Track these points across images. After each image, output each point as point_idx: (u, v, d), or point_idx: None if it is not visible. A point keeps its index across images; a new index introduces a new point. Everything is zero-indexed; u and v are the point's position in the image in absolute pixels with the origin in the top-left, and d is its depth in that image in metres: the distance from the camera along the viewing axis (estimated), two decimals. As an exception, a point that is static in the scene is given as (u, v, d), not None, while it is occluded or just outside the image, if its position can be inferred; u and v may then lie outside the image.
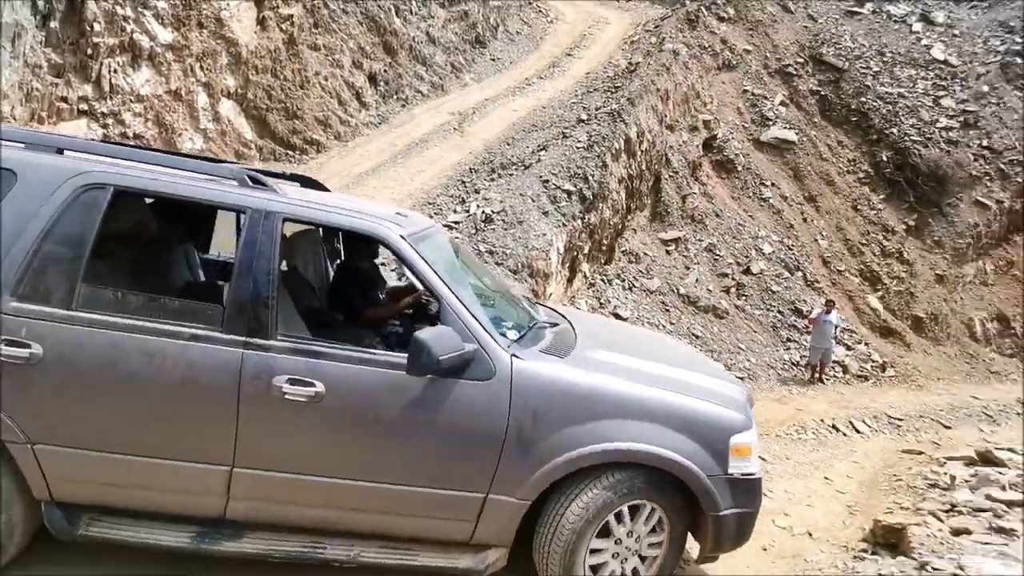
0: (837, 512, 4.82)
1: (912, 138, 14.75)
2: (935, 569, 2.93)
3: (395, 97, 12.23)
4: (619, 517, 2.55)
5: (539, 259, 7.50)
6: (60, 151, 2.41)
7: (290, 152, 9.88)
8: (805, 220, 13.70)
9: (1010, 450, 7.74)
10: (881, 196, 14.58)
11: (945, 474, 5.56)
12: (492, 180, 9.09)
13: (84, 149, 2.51)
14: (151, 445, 2.34)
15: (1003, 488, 4.54)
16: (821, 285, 12.59)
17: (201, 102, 8.84)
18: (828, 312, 10.31)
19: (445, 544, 2.57)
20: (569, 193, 8.66)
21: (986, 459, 6.10)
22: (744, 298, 11.61)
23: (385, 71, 12.09)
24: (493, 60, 15.10)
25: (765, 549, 3.80)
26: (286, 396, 2.30)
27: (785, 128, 14.71)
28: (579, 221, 8.75)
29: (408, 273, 2.90)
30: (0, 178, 2.26)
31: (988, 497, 4.41)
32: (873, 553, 3.63)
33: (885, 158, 14.78)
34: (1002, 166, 14.82)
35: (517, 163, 9.44)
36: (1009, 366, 13.61)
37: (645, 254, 11.01)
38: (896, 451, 7.36)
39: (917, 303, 13.47)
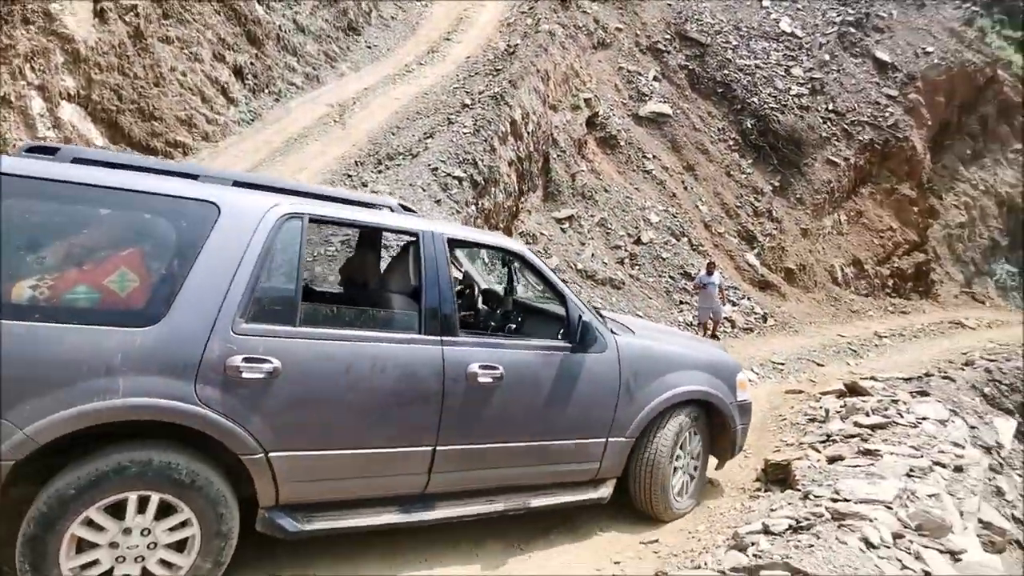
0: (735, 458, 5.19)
1: (770, 106, 16.04)
2: (816, 496, 3.24)
3: (266, 91, 11.48)
4: (686, 439, 3.69)
5: (436, 249, 7.40)
6: (236, 184, 2.69)
7: (153, 157, 9.01)
8: (686, 188, 14.53)
9: (872, 379, 8.77)
10: (749, 161, 15.76)
11: (821, 408, 6.17)
12: (380, 172, 8.82)
13: (247, 182, 2.80)
14: (371, 438, 2.69)
15: (867, 414, 5.11)
16: (705, 248, 13.46)
17: (36, 107, 7.82)
18: (710, 274, 10.96)
19: (578, 484, 3.39)
20: (460, 179, 8.59)
21: (853, 390, 6.85)
22: (637, 267, 12.16)
23: (252, 63, 11.30)
24: (369, 47, 14.57)
25: (673, 503, 4.02)
26: (479, 379, 2.89)
27: (660, 102, 15.46)
28: (473, 207, 8.72)
29: (532, 278, 3.67)
30: (220, 210, 2.46)
31: (856, 424, 4.95)
32: (766, 490, 3.94)
33: (749, 125, 15.97)
34: (846, 127, 16.51)
35: (404, 152, 9.22)
36: (866, 304, 15.35)
37: (541, 234, 11.21)
38: (781, 393, 8.03)
39: (788, 256, 14.78)
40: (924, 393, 7.07)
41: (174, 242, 2.45)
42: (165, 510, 2.30)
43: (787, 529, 2.76)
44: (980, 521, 3.78)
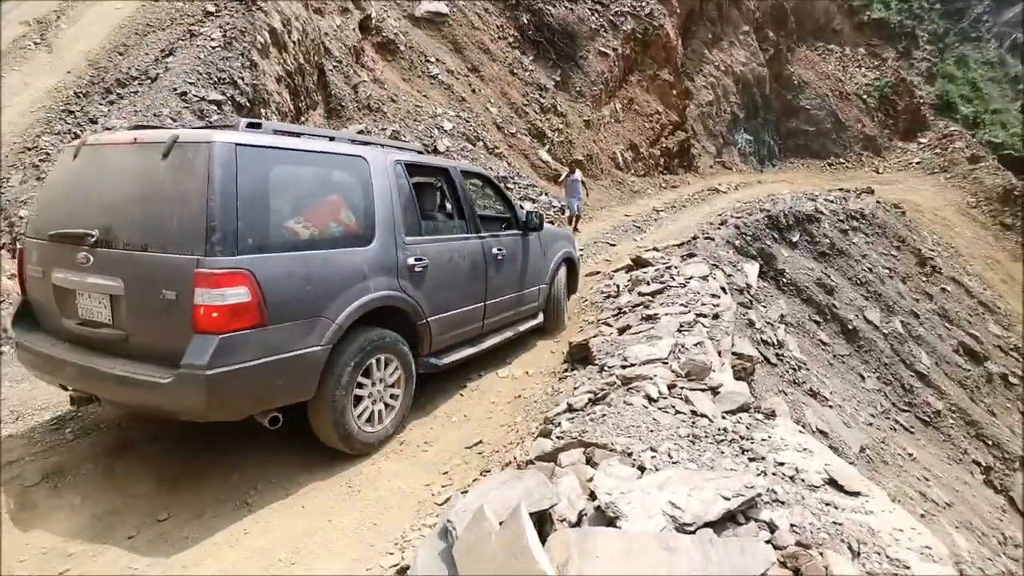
0: (545, 345, 5.60)
1: (541, 0, 16.20)
2: (610, 367, 3.64)
3: (-85, 6, 8.58)
4: (563, 280, 5.94)
5: (204, 188, 6.46)
6: (353, 142, 3.82)
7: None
8: (474, 91, 14.40)
9: (654, 249, 9.95)
10: (530, 57, 16.02)
11: (614, 285, 6.86)
12: (111, 103, 7.28)
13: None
14: (463, 301, 4.21)
15: (647, 284, 5.79)
16: (501, 150, 13.69)
17: None
18: (572, 172, 12.27)
19: (530, 317, 5.41)
20: (219, 103, 7.46)
21: (638, 263, 7.70)
22: (438, 178, 12.02)
23: None
24: (63, -59, 11.48)
25: (494, 402, 4.25)
26: (497, 257, 4.63)
27: (435, 0, 14.74)
28: (242, 134, 7.70)
29: (493, 192, 5.35)
30: (368, 163, 3.62)
31: (640, 294, 5.59)
32: (572, 370, 4.32)
33: (526, 21, 16.06)
34: (611, 18, 17.42)
35: (140, 76, 7.68)
36: (644, 184, 17.15)
37: (331, 155, 10.41)
38: (582, 277, 8.77)
39: (576, 149, 15.70)
40: (692, 255, 8.24)
41: (360, 187, 3.52)
42: (388, 363, 3.56)
43: (587, 403, 3.06)
44: (734, 353, 4.58)
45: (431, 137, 12.49)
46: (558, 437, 2.54)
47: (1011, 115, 29.97)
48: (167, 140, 2.85)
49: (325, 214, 3.26)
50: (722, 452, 2.27)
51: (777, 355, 9.27)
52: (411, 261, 3.66)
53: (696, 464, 2.11)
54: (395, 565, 2.42)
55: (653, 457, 2.14)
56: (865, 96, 27.06)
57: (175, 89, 7.35)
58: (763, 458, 2.27)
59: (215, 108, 7.40)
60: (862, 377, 11.49)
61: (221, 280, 2.69)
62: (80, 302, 3.04)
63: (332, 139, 3.61)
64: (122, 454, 3.40)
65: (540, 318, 5.56)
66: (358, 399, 3.36)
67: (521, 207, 5.60)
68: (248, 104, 7.94)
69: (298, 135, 3.37)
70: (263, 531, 2.77)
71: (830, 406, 9.28)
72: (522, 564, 1.42)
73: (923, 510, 8.95)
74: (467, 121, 13.49)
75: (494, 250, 4.60)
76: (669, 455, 2.16)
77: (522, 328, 5.17)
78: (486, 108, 14.31)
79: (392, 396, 3.59)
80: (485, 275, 4.44)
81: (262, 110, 8.33)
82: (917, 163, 25.68)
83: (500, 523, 1.60)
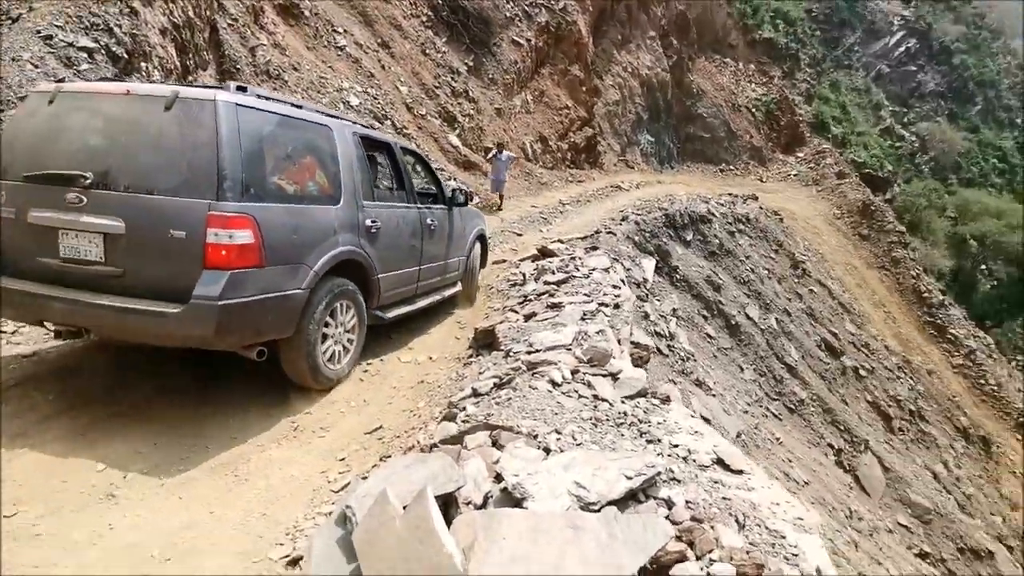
0: (451, 331, 5.54)
1: (458, -19, 15.91)
2: (515, 353, 3.65)
3: None
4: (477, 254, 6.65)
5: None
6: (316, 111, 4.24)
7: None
8: (383, 67, 13.91)
9: (559, 241, 10.14)
10: (444, 39, 15.71)
11: (520, 274, 6.92)
12: (-46, 39, 6.24)
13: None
14: (403, 262, 4.75)
15: (552, 273, 5.89)
16: (410, 131, 13.34)
17: None
18: (500, 152, 12.90)
19: (450, 285, 5.93)
20: (90, 51, 6.63)
21: (544, 253, 7.81)
22: (343, 155, 11.50)
23: None
24: None
25: (395, 387, 4.13)
26: (431, 227, 5.20)
27: (345, -33, 14.02)
28: (119, 89, 6.90)
29: (423, 168, 5.97)
30: (333, 131, 4.05)
31: (545, 283, 5.67)
32: (477, 355, 4.30)
33: (440, 1, 15.71)
34: (525, 8, 17.48)
35: (-7, 12, 6.64)
36: (551, 176, 17.45)
37: (224, 122, 9.62)
38: (489, 265, 8.76)
39: (486, 135, 15.64)
40: (595, 248, 8.50)
41: (328, 152, 3.93)
42: (347, 309, 3.98)
43: (492, 387, 3.05)
44: (632, 343, 4.77)
45: (336, 112, 11.92)
46: (463, 421, 2.50)
47: (872, 138, 33.71)
48: (168, 95, 3.15)
49: (304, 174, 3.71)
50: (622, 435, 2.34)
51: (668, 346, 9.82)
52: (368, 222, 4.15)
53: (599, 446, 2.16)
54: (286, 556, 2.28)
55: (558, 439, 2.17)
56: (754, 109, 29.24)
57: (39, 32, 6.44)
58: (659, 440, 2.37)
59: (86, 56, 6.57)
60: (741, 369, 12.47)
61: (232, 222, 3.06)
62: (64, 241, 3.18)
63: (300, 107, 3.99)
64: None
65: (459, 286, 6.18)
66: (324, 338, 3.77)
67: (448, 184, 6.46)
68: (126, 55, 7.13)
69: (277, 101, 3.79)
70: (131, 526, 2.50)
71: (713, 395, 9.99)
72: (428, 548, 1.37)
73: (786, 488, 9.91)
74: (375, 98, 13.01)
75: (428, 220, 5.15)
76: (573, 437, 2.19)
77: (446, 294, 5.76)
78: (395, 86, 13.88)
79: (348, 340, 4.06)
80: (421, 242, 5.02)
81: (142, 63, 7.52)
82: (794, 175, 28.20)
83: (404, 507, 1.54)
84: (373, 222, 4.19)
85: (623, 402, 2.81)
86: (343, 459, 3.13)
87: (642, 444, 2.31)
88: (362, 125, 4.78)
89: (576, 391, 2.81)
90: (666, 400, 3.00)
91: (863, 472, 13.86)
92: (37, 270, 3.25)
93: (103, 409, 3.39)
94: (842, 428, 14.26)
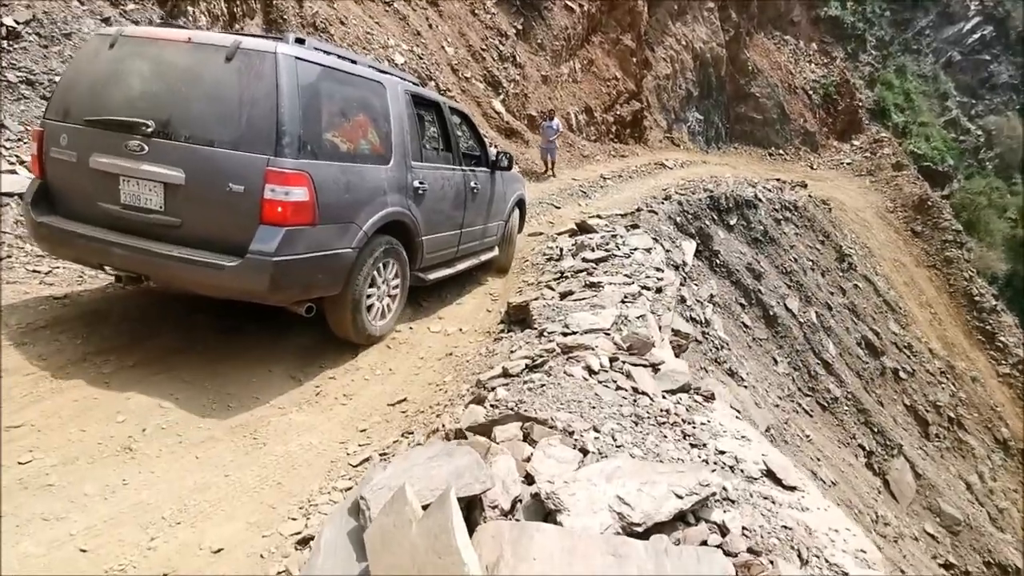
0: (482, 303, 5.37)
1: (512, -62, 15.30)
2: (550, 333, 3.46)
3: None
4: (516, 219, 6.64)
5: (112, 87, 5.66)
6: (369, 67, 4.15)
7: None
8: (431, 26, 13.54)
9: (598, 216, 9.83)
10: (493, 0, 15.20)
11: (557, 248, 6.68)
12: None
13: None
14: (446, 225, 4.76)
15: (592, 250, 5.64)
16: (453, 94, 13.03)
17: None
18: (550, 119, 12.99)
19: (490, 248, 5.94)
20: (137, -7, 6.51)
21: (583, 228, 7.54)
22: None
23: None
24: None
25: (423, 358, 3.99)
26: (474, 190, 5.20)
27: (397, -81, 13.57)
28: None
29: (469, 130, 5.91)
30: (386, 88, 4.00)
31: (584, 260, 5.43)
32: (509, 331, 4.12)
33: (493, -41, 15.15)
34: (581, -30, 16.73)
35: (42, -55, 6.56)
36: (594, 149, 16.96)
37: (267, 73, 9.48)
38: (524, 236, 8.53)
39: (530, 103, 15.22)
40: (636, 226, 8.18)
41: (380, 110, 3.92)
42: (391, 267, 4.01)
43: (524, 369, 2.87)
44: (672, 330, 4.53)
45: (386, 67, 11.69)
46: (492, 405, 2.33)
47: (935, 129, 31.86)
48: (229, 44, 3.12)
49: (357, 131, 3.69)
50: (664, 436, 2.14)
51: (703, 333, 9.51)
52: (416, 183, 4.15)
53: (640, 449, 1.97)
54: (297, 533, 2.17)
55: (596, 438, 1.98)
56: (811, 92, 27.84)
57: (85, -34, 6.34)
58: (704, 445, 2.16)
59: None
60: (775, 361, 12.08)
61: (289, 179, 3.08)
62: (125, 187, 3.20)
63: (355, 62, 3.89)
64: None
65: (496, 251, 6.11)
66: (369, 296, 3.83)
67: (492, 146, 6.38)
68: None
69: (333, 55, 3.67)
70: (144, 483, 2.43)
71: (745, 386, 9.68)
72: (446, 562, 1.21)
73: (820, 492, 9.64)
74: (420, 57, 12.69)
75: (471, 183, 5.12)
76: (613, 437, 2.00)
77: (483, 258, 5.73)
78: (442, 47, 13.52)
79: (392, 298, 4.11)
80: (464, 205, 5.00)
81: (189, 7, 7.40)
82: (847, 163, 26.91)
83: (423, 506, 1.38)
84: (421, 183, 4.19)
85: (664, 397, 2.61)
86: (364, 430, 3.02)
87: (686, 448, 2.11)
88: (411, 82, 4.63)
89: (615, 381, 2.61)
90: (710, 398, 2.78)
91: (893, 476, 13.42)
92: (97, 215, 3.29)
93: (129, 357, 3.34)
94: (876, 430, 13.79)
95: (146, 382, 3.12)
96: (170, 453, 2.66)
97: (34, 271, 4.18)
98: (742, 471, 2.06)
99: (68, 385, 3.03)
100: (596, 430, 2.04)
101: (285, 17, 10.20)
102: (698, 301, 10.04)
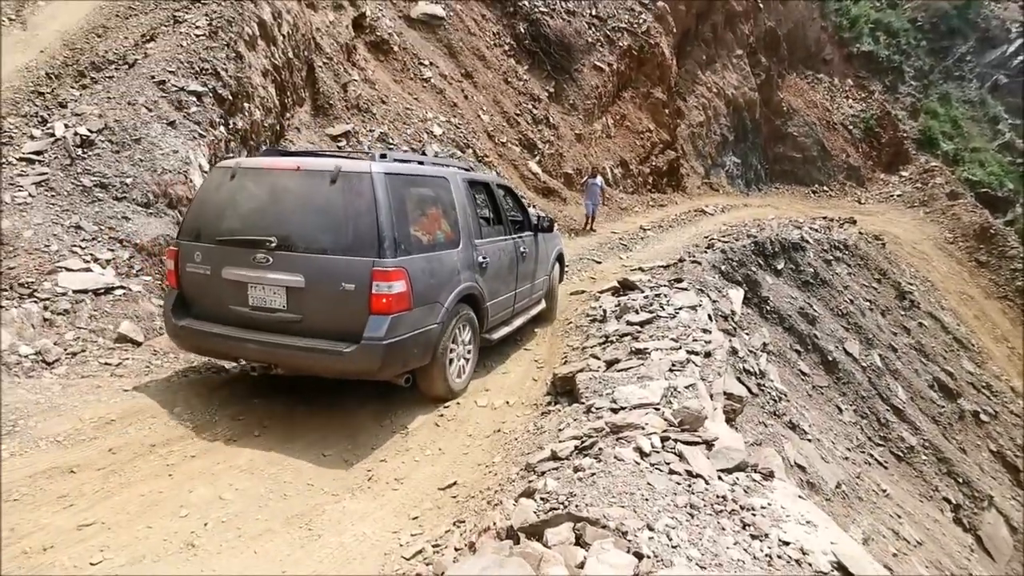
0: (528, 371, 5.36)
1: (540, 10, 16.07)
2: (597, 408, 3.41)
3: None
4: (557, 273, 7.43)
5: (177, 183, 6.12)
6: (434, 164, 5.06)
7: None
8: (466, 97, 14.18)
9: (640, 269, 9.77)
10: (525, 67, 15.84)
11: (600, 308, 6.65)
12: (84, 87, 6.90)
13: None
14: (504, 289, 5.33)
15: (636, 312, 5.60)
16: (490, 159, 13.47)
17: None
18: (593, 177, 13.72)
19: (537, 303, 6.55)
20: (199, 95, 7.12)
21: (625, 286, 7.49)
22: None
23: None
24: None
25: (471, 435, 3.99)
26: (524, 254, 5.79)
27: (432, 3, 14.50)
28: (222, 128, 7.36)
29: (512, 200, 6.49)
30: (449, 180, 4.73)
31: (628, 323, 5.38)
32: (555, 403, 4.09)
33: (523, 30, 15.89)
34: (608, 32, 17.35)
35: (116, 61, 7.30)
36: (632, 201, 17.06)
37: (316, 154, 10.07)
38: (567, 295, 8.53)
39: (566, 162, 15.55)
40: (679, 280, 8.08)
41: (447, 201, 4.55)
42: (465, 330, 4.57)
43: (573, 451, 2.84)
44: (724, 393, 4.39)
45: (420, 141, 12.23)
46: (542, 498, 2.30)
47: (989, 154, 30.65)
48: (332, 169, 3.82)
49: (434, 224, 4.34)
50: (722, 528, 2.06)
51: (759, 385, 9.15)
52: (480, 259, 4.77)
53: (698, 549, 1.89)
54: (353, 638, 2.16)
55: (651, 538, 1.92)
56: (851, 127, 27.42)
57: (153, 77, 7.00)
58: (766, 535, 2.06)
59: (195, 100, 7.07)
60: (840, 409, 11.46)
61: (392, 275, 3.70)
62: (253, 292, 3.86)
63: (421, 163, 4.76)
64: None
65: (543, 304, 6.78)
66: (451, 360, 4.40)
67: (534, 211, 7.66)
68: (231, 97, 7.61)
69: (407, 162, 4.51)
70: (207, 583, 2.48)
71: (808, 439, 9.18)
72: None
73: (895, 549, 8.88)
74: (458, 127, 13.25)
75: (521, 249, 5.75)
76: (668, 536, 1.94)
77: (533, 312, 6.39)
78: (478, 115, 14.09)
79: (466, 360, 4.67)
80: (517, 268, 5.63)
81: (245, 104, 8.00)
82: (898, 195, 26.07)
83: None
84: (484, 258, 4.83)
85: (720, 478, 2.52)
86: (416, 518, 3.01)
87: (746, 540, 2.01)
88: (464, 168, 5.41)
89: (667, 464, 2.54)
90: (769, 475, 2.66)
91: (986, 532, 12.27)
92: (229, 316, 3.92)
93: (192, 446, 3.48)
94: (960, 480, 12.74)
95: (207, 473, 3.23)
96: (230, 548, 2.72)
97: (106, 363, 4.45)
98: (810, 565, 1.95)
99: (136, 478, 3.16)
100: (650, 528, 1.98)
101: (332, 102, 10.90)
102: (751, 351, 9.72)
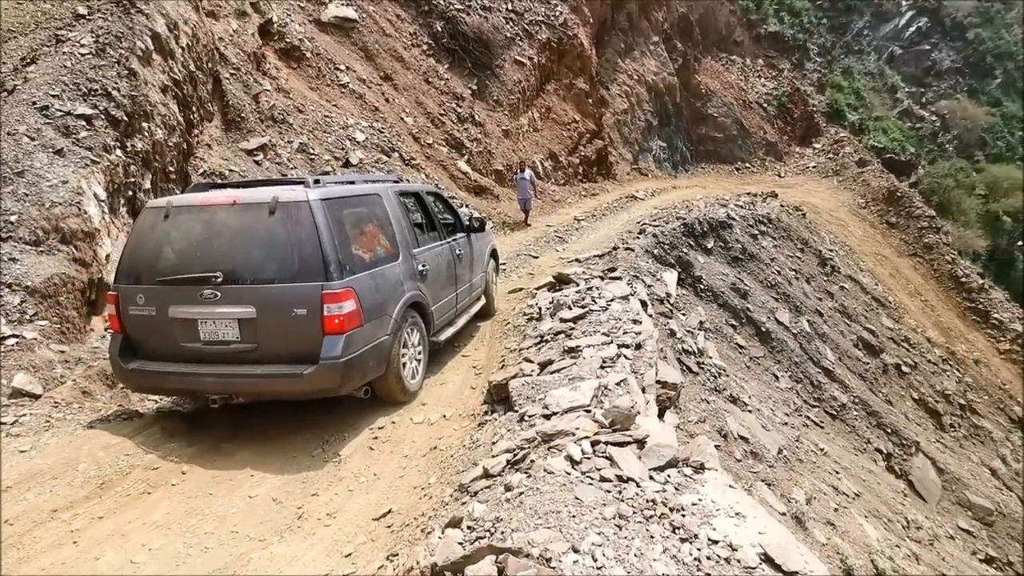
0: (466, 379, 5.26)
1: (456, 7, 15.89)
2: (530, 416, 3.37)
3: None
4: (492, 269, 7.65)
5: (70, 216, 5.66)
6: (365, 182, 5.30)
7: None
8: (387, 101, 13.87)
9: (576, 260, 9.82)
10: (445, 66, 15.65)
11: (536, 306, 6.62)
12: (-46, 119, 6.26)
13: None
14: (444, 292, 5.52)
15: (569, 308, 5.59)
16: (418, 162, 13.23)
17: None
18: (523, 171, 13.77)
19: (476, 301, 6.73)
20: (89, 118, 6.60)
21: (561, 280, 7.48)
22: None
23: None
24: None
25: (407, 456, 3.87)
26: (460, 256, 6.00)
27: (343, 5, 14.08)
28: (119, 152, 6.86)
29: (443, 205, 6.45)
30: (382, 196, 4.87)
31: (561, 320, 5.37)
32: (492, 411, 4.02)
33: (440, 28, 15.68)
34: (526, 27, 17.36)
35: (-10, 87, 6.67)
36: (564, 192, 17.20)
37: (230, 170, 9.59)
38: (505, 295, 8.44)
39: (495, 159, 15.49)
40: (612, 270, 8.17)
41: (382, 217, 4.75)
42: (414, 333, 4.78)
43: (505, 466, 2.77)
44: (658, 382, 4.44)
45: (343, 149, 11.87)
46: (469, 527, 2.22)
47: (891, 121, 32.75)
48: (270, 200, 3.89)
49: (372, 241, 4.48)
50: (651, 537, 2.04)
51: (698, 363, 9.39)
52: (420, 267, 4.94)
53: (623, 567, 1.86)
54: None
55: (575, 562, 1.87)
56: (765, 104, 28.64)
57: (34, 103, 6.44)
58: (696, 536, 2.06)
59: (84, 123, 6.55)
60: (776, 377, 11.95)
61: (341, 296, 3.83)
62: (203, 327, 3.89)
63: (353, 182, 4.95)
64: None
65: (483, 299, 6.96)
66: (404, 365, 4.55)
67: (465, 211, 7.81)
68: (126, 117, 7.09)
69: (340, 183, 4.68)
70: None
71: (749, 411, 9.51)
72: None
73: (836, 504, 9.34)
74: (381, 132, 12.94)
75: (457, 251, 5.91)
76: (593, 557, 1.89)
77: (473, 310, 6.47)
78: (401, 118, 13.81)
79: (418, 361, 4.85)
80: (455, 270, 5.79)
81: (144, 123, 7.49)
82: (813, 167, 27.47)
83: None
84: (424, 266, 5.01)
85: (652, 478, 2.51)
86: (349, 555, 2.87)
87: (675, 545, 2.00)
88: (394, 180, 5.70)
89: (598, 469, 2.51)
90: (700, 468, 2.68)
91: (916, 476, 13.13)
92: (180, 353, 3.96)
93: (99, 507, 3.21)
94: (889, 431, 13.57)
95: (116, 535, 2.98)
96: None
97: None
98: (738, 561, 1.96)
99: (35, 551, 2.89)
100: (575, 550, 1.93)
101: (243, 115, 10.39)
102: (688, 331, 9.96)
